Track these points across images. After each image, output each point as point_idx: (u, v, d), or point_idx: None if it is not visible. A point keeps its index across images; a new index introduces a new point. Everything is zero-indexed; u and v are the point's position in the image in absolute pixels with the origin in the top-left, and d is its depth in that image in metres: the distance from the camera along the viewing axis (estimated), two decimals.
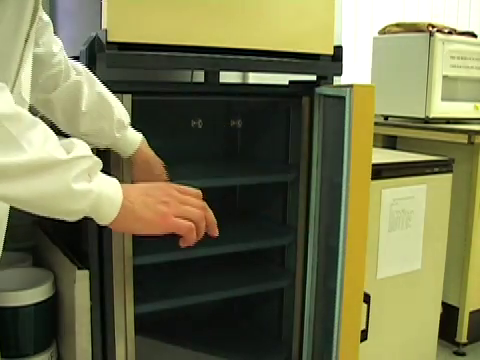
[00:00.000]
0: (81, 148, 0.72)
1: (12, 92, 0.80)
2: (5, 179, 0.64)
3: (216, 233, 0.91)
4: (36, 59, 1.01)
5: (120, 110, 1.22)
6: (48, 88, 1.14)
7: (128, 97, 1.31)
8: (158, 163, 1.34)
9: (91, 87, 1.17)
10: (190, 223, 0.82)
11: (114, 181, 0.76)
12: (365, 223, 1.43)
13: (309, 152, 1.61)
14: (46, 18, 1.07)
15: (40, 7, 0.85)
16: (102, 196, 0.72)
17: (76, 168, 0.69)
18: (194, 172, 1.67)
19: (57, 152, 0.68)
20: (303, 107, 1.60)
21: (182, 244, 0.86)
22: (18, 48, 0.80)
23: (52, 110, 1.18)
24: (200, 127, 1.93)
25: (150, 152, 1.32)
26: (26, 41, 0.82)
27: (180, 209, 0.81)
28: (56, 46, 1.11)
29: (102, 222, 0.76)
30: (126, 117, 1.24)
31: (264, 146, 1.93)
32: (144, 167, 1.30)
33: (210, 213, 0.88)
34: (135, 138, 1.27)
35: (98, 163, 0.74)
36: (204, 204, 0.86)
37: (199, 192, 0.87)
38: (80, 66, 1.19)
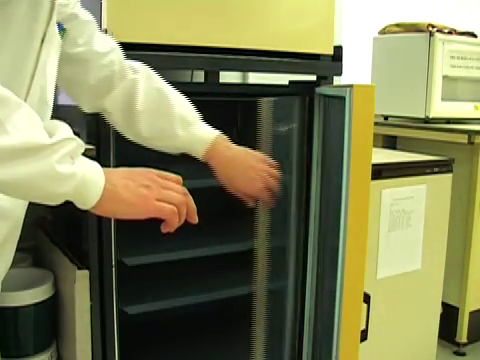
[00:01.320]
0: (64, 130, 0.71)
1: (28, 94, 0.80)
2: None
3: (196, 220, 0.94)
4: (78, 60, 0.99)
5: (183, 106, 1.12)
6: (102, 91, 1.08)
7: None
8: (247, 164, 1.20)
9: (149, 83, 1.10)
10: (172, 206, 0.83)
11: (95, 164, 0.76)
12: (365, 223, 1.42)
13: (309, 152, 1.61)
14: (86, 17, 1.02)
15: (56, 6, 0.83)
16: (85, 179, 0.72)
17: (60, 151, 0.69)
18: (194, 172, 1.67)
19: (41, 136, 0.68)
20: (303, 107, 1.60)
21: (164, 229, 0.85)
22: (33, 48, 0.80)
23: (110, 115, 1.12)
24: None
25: (230, 151, 1.16)
26: (43, 41, 0.81)
27: (162, 193, 0.82)
28: (104, 45, 1.05)
29: (85, 206, 0.75)
30: (192, 113, 1.14)
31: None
32: (224, 170, 1.19)
33: (190, 199, 0.90)
34: (206, 136, 1.14)
35: (80, 146, 0.73)
36: (185, 190, 0.88)
37: (179, 178, 0.88)
38: (138, 64, 1.12)
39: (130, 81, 1.09)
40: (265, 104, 1.80)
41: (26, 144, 0.66)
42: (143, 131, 1.10)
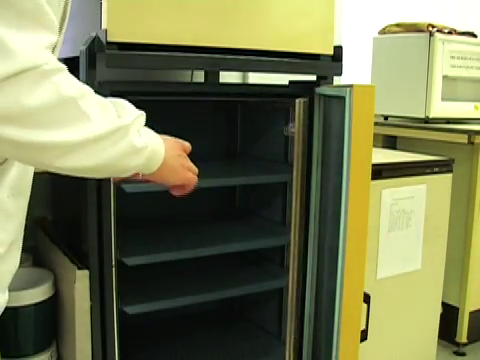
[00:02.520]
0: (130, 107, 0.81)
1: None
2: (79, 152, 0.71)
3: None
4: None
5: None
6: None
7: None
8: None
9: None
10: (195, 177, 0.98)
11: (155, 134, 0.87)
12: (365, 223, 1.43)
13: (309, 152, 1.61)
14: None
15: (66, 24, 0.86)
16: (154, 148, 0.83)
17: (134, 127, 0.78)
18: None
19: (118, 118, 0.76)
20: (303, 107, 1.60)
21: (177, 192, 0.99)
22: None
23: None
24: (200, 127, 1.93)
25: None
26: (52, 52, 0.82)
27: (189, 164, 0.97)
28: None
29: (149, 171, 0.86)
30: None
31: (264, 146, 1.93)
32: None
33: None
34: None
35: (144, 117, 0.84)
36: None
37: (190, 145, 1.00)
38: None
39: None
40: (266, 104, 1.81)
41: (109, 128, 0.74)
42: None
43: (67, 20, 0.83)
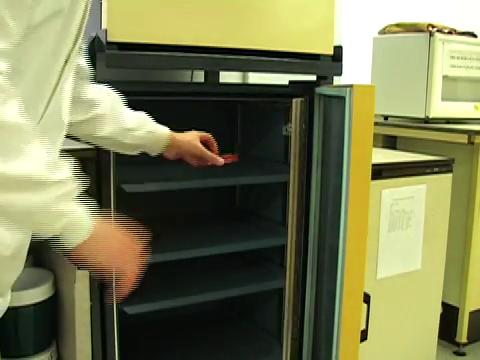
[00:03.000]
0: (68, 171, 0.75)
1: (45, 111, 0.82)
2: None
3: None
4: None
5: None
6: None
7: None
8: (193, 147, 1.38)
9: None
10: (135, 274, 0.89)
11: (86, 209, 0.79)
12: (365, 223, 1.43)
13: (309, 152, 1.61)
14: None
15: (84, 27, 0.87)
16: (77, 219, 0.77)
17: (63, 189, 0.73)
18: (194, 172, 1.67)
19: (50, 171, 0.71)
20: (303, 107, 1.60)
21: (116, 293, 0.89)
22: (57, 68, 0.82)
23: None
24: (200, 127, 1.93)
25: (180, 138, 1.35)
26: (66, 62, 0.83)
27: (132, 258, 0.88)
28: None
29: (70, 244, 0.79)
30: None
31: (264, 146, 1.93)
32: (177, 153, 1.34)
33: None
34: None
35: (77, 190, 0.76)
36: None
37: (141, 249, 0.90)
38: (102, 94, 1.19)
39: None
40: (266, 104, 1.81)
41: (33, 177, 0.69)
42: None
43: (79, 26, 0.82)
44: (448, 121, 2.46)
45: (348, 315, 1.42)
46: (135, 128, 1.21)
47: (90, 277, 1.35)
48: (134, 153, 1.27)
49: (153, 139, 1.26)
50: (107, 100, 1.17)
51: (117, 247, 0.84)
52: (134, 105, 1.32)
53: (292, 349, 1.72)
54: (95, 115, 1.14)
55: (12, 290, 1.41)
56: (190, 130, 1.94)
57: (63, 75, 0.83)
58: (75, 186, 0.76)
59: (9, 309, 1.41)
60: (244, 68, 1.71)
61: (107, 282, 0.89)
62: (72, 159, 0.77)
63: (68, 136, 1.05)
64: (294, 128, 1.61)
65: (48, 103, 0.82)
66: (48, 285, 1.46)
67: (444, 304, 2.17)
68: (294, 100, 1.58)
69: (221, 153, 1.56)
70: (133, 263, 0.87)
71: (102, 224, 0.82)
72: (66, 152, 1.25)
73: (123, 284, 0.87)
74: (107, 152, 1.32)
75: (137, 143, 1.23)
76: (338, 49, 1.58)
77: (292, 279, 1.69)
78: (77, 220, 0.77)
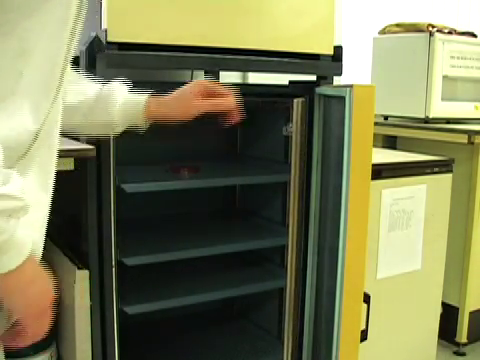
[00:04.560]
0: (15, 187, 0.65)
1: (52, 106, 0.76)
2: None
3: None
4: None
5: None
6: None
7: None
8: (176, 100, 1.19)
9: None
10: (43, 331, 0.74)
11: (29, 237, 0.68)
12: (365, 223, 1.43)
13: (309, 152, 1.61)
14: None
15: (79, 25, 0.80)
16: (12, 242, 0.64)
17: (1, 204, 0.63)
18: (194, 172, 1.67)
19: None
20: (303, 107, 1.60)
21: (11, 343, 0.75)
22: (60, 58, 0.76)
23: None
24: (200, 127, 1.93)
25: (164, 101, 1.17)
26: (67, 52, 0.78)
27: (48, 313, 0.74)
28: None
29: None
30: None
31: (264, 146, 1.93)
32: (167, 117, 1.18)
33: None
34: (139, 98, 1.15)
35: (23, 209, 0.66)
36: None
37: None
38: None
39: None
40: (266, 104, 1.81)
41: None
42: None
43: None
44: (448, 121, 2.46)
45: (348, 315, 1.42)
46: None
47: (90, 277, 1.35)
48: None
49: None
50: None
51: (38, 295, 0.71)
52: None
53: (293, 349, 1.72)
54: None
55: None
56: (190, 130, 1.94)
57: (66, 67, 0.78)
58: (20, 206, 0.65)
59: None
60: (244, 68, 1.71)
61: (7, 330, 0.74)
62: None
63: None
64: (295, 128, 1.62)
65: (55, 98, 0.76)
66: None
67: (444, 304, 2.17)
68: (295, 100, 1.59)
69: (181, 167, 1.56)
70: (46, 318, 0.73)
71: (35, 263, 0.70)
72: (66, 152, 1.25)
73: (25, 337, 0.73)
74: (107, 152, 1.32)
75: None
76: (338, 49, 1.59)
77: (293, 279, 1.69)
78: (8, 245, 0.64)
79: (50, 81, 0.75)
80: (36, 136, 0.72)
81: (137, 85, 1.41)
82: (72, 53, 0.79)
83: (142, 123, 1.15)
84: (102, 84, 1.11)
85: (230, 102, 1.19)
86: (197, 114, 1.15)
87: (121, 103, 1.12)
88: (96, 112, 1.11)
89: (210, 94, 1.17)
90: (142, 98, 1.15)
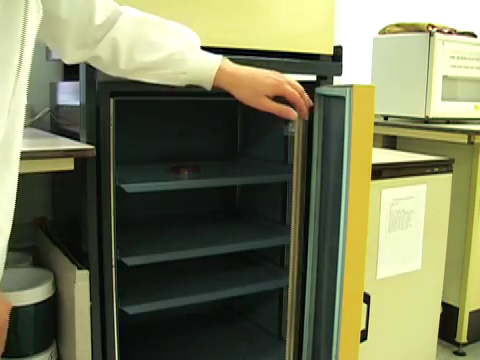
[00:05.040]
0: None
1: (21, 63, 0.74)
2: None
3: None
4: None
5: (185, 30, 1.10)
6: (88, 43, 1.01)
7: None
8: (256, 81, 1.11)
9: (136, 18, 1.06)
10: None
11: None
12: (365, 223, 1.42)
13: (309, 152, 1.61)
14: None
15: None
16: None
17: None
18: (194, 172, 1.67)
19: None
20: None
21: None
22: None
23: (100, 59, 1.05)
24: (200, 127, 1.93)
25: (238, 72, 1.10)
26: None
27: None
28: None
29: None
30: (195, 37, 1.11)
31: (264, 146, 1.93)
32: (235, 90, 1.10)
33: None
34: (213, 59, 1.08)
35: None
36: None
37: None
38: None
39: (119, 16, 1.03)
40: None
41: None
42: (146, 61, 1.04)
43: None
44: (448, 121, 2.46)
45: (348, 315, 1.42)
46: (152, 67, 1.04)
47: (90, 277, 1.35)
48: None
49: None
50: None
51: None
52: (135, 105, 1.33)
53: (293, 349, 1.72)
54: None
55: (12, 290, 1.41)
56: (191, 131, 1.94)
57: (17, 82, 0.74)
58: None
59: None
60: None
61: None
62: None
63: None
64: (298, 127, 1.61)
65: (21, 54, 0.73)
66: (48, 285, 1.46)
67: (444, 304, 2.17)
68: None
69: (181, 167, 1.55)
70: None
71: None
72: (66, 152, 1.25)
73: None
74: (107, 152, 1.32)
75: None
76: (338, 49, 1.59)
77: (296, 279, 1.69)
78: None
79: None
80: None
81: (137, 85, 1.41)
82: (26, 66, 0.75)
83: (208, 86, 1.10)
84: (176, 42, 1.05)
85: (294, 113, 1.16)
86: (260, 109, 1.10)
87: (193, 65, 1.06)
88: (165, 73, 1.07)
89: (281, 94, 1.12)
90: (216, 64, 1.07)
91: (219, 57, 1.08)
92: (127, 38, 1.03)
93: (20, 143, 0.79)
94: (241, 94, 1.08)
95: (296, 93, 1.13)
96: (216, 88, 1.08)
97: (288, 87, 1.12)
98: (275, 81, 1.10)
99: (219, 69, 1.06)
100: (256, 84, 1.09)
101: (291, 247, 1.69)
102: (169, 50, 1.03)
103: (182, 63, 1.05)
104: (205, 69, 1.06)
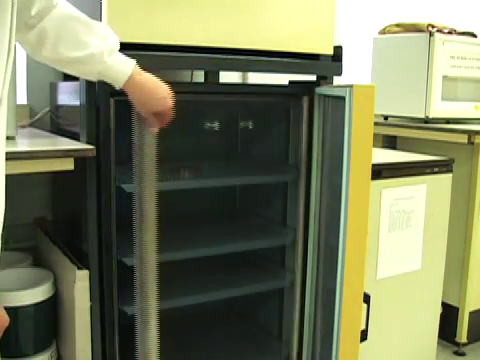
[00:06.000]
0: None
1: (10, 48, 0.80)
2: None
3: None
4: None
5: (108, 34, 1.17)
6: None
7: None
8: (156, 86, 1.23)
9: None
10: None
11: None
12: (365, 223, 1.43)
13: (309, 152, 1.61)
14: None
15: None
16: None
17: None
18: (194, 172, 1.67)
19: None
20: (303, 107, 1.60)
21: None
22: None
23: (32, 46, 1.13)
24: (200, 127, 1.93)
25: (142, 77, 1.20)
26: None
27: None
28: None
29: None
30: (115, 42, 1.18)
31: (264, 146, 1.93)
32: (139, 94, 1.21)
33: None
34: (127, 65, 1.18)
35: None
36: None
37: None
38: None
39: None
40: (266, 104, 1.81)
41: None
42: (68, 55, 1.12)
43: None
44: (448, 121, 2.46)
45: (348, 315, 1.42)
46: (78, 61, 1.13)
47: (90, 277, 1.35)
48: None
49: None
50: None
51: None
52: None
53: (293, 349, 1.72)
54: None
55: (12, 290, 1.41)
56: (191, 131, 1.94)
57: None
58: None
59: (9, 309, 1.41)
60: (244, 68, 1.71)
61: None
62: None
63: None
64: (304, 127, 1.61)
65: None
66: (48, 285, 1.46)
67: (444, 304, 2.17)
68: (304, 98, 1.58)
69: (181, 167, 1.57)
70: None
71: None
72: (66, 152, 1.25)
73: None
74: (107, 153, 1.32)
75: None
76: (338, 49, 1.59)
77: (299, 279, 1.69)
78: None
79: None
80: None
81: None
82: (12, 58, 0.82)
83: (117, 87, 1.19)
84: (98, 43, 1.13)
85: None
86: (157, 111, 1.23)
87: (107, 68, 1.15)
88: (82, 68, 1.16)
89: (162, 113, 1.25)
90: (128, 71, 1.18)
91: (132, 63, 1.18)
92: (56, 30, 1.10)
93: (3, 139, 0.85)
94: (137, 102, 1.22)
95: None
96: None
97: (169, 113, 1.26)
98: (166, 104, 1.24)
99: (129, 78, 1.17)
100: (153, 101, 1.22)
101: (296, 247, 1.70)
102: (91, 50, 1.12)
103: (99, 64, 1.14)
104: (117, 73, 1.17)
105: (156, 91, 1.22)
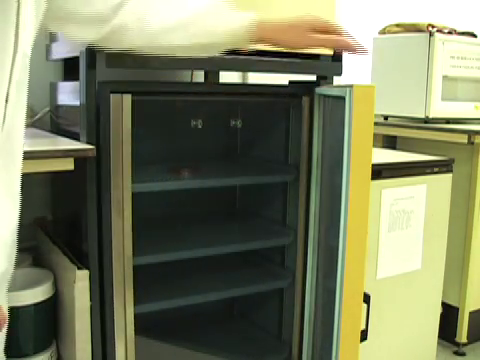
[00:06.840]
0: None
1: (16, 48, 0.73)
2: None
3: None
4: None
5: None
6: None
7: (128, 97, 1.31)
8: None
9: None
10: None
11: None
12: (365, 223, 1.42)
13: (309, 152, 1.61)
14: None
15: None
16: None
17: None
18: (195, 172, 1.67)
19: None
20: (303, 107, 1.60)
21: None
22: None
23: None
24: (200, 127, 1.93)
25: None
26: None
27: None
28: None
29: None
30: None
31: (264, 146, 1.93)
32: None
33: None
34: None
35: None
36: None
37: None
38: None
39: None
40: (266, 104, 1.81)
41: None
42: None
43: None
44: (448, 121, 2.46)
45: (348, 315, 1.42)
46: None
47: (90, 277, 1.35)
48: None
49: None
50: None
51: None
52: (135, 105, 1.33)
53: (293, 349, 1.72)
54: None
55: (12, 290, 1.41)
56: (191, 131, 1.94)
57: (14, 67, 0.72)
58: None
59: (9, 309, 1.41)
60: (244, 68, 1.71)
61: None
62: None
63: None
64: (305, 126, 1.61)
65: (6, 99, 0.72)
66: (48, 285, 1.46)
67: (444, 304, 2.17)
68: (304, 98, 1.58)
69: (181, 167, 1.55)
70: None
71: None
72: (66, 152, 1.25)
73: None
74: (107, 153, 1.32)
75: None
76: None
77: (299, 279, 1.69)
78: None
79: None
80: None
81: (138, 84, 1.42)
82: (21, 55, 0.74)
83: (246, 45, 1.11)
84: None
85: (345, 41, 1.18)
86: (311, 46, 1.13)
87: (222, 24, 1.05)
88: (196, 33, 1.03)
89: (323, 31, 1.14)
90: (245, 21, 1.09)
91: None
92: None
93: (22, 136, 0.78)
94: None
95: None
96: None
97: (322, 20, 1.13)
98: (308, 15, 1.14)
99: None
100: (294, 21, 1.15)
101: (296, 247, 1.69)
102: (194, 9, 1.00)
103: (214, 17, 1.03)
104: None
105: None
